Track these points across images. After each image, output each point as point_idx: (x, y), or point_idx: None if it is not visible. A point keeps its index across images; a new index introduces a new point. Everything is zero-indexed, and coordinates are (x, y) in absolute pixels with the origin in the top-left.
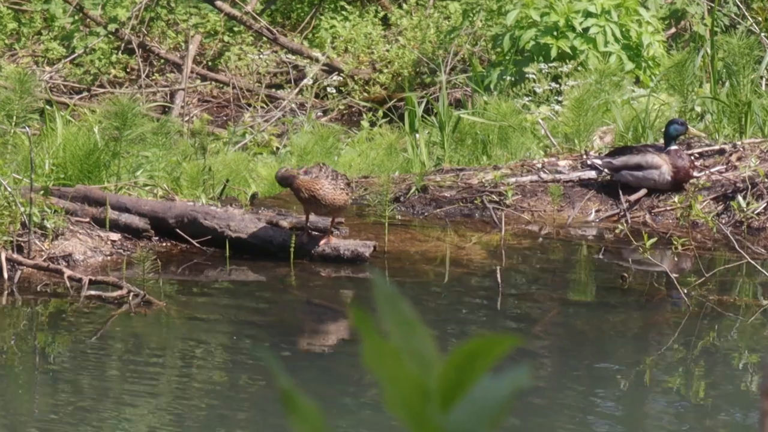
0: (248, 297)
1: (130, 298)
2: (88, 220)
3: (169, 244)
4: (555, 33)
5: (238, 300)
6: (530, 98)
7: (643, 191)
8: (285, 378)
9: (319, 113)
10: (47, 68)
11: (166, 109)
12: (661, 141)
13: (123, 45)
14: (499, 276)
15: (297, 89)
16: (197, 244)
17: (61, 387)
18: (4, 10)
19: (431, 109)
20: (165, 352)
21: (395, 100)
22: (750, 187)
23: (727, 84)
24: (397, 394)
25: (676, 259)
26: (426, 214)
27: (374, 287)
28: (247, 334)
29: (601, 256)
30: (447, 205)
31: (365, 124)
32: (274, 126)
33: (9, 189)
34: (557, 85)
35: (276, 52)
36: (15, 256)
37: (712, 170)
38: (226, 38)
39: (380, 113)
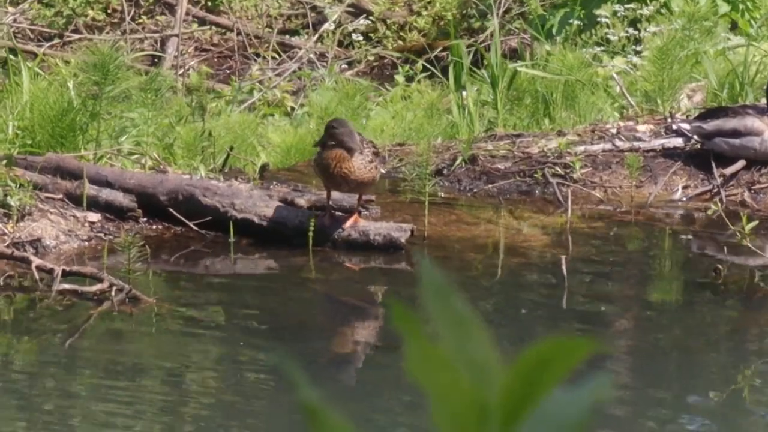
0: (256, 292)
1: (113, 293)
2: (61, 196)
3: (160, 226)
4: None
5: (243, 296)
6: (602, 47)
7: (741, 163)
8: (309, 390)
9: (344, 65)
10: (10, 9)
11: (156, 60)
12: (763, 101)
13: None
14: (564, 267)
15: (316, 36)
16: (194, 227)
17: (26, 401)
18: None
19: (480, 61)
20: (154, 359)
21: (438, 49)
22: None
23: None
24: (447, 409)
25: None
26: (475, 190)
27: (421, 276)
28: (254, 338)
29: (689, 243)
30: (501, 180)
31: (400, 78)
32: (288, 81)
33: None
34: (635, 32)
35: None
36: None
37: None
38: None
39: (418, 66)
